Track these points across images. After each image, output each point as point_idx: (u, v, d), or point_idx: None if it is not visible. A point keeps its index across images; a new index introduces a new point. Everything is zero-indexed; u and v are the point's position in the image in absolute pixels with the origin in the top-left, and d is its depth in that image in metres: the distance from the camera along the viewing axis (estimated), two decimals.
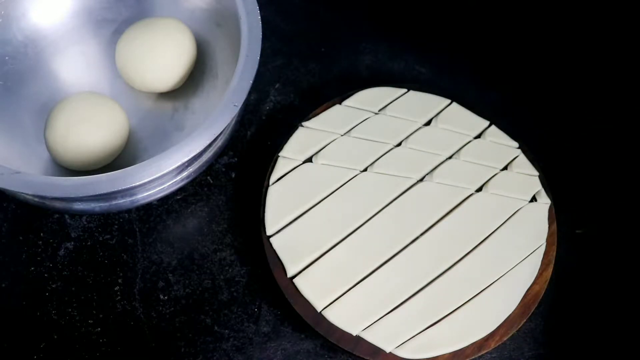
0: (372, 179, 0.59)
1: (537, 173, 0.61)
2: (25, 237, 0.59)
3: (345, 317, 0.53)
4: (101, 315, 0.56)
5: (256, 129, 0.65)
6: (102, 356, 0.54)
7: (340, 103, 0.63)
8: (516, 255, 0.56)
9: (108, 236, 0.59)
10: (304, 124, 0.61)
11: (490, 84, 0.69)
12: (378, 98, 0.63)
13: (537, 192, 0.60)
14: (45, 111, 0.59)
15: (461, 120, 0.63)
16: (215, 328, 0.56)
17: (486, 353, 0.53)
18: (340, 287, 0.54)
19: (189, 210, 0.61)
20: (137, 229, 0.59)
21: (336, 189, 0.58)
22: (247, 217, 0.60)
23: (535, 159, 0.61)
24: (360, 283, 0.54)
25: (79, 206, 0.54)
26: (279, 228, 0.56)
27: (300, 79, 0.68)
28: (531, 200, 0.59)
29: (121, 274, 0.58)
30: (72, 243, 0.59)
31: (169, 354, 0.55)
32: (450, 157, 0.61)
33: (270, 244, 0.56)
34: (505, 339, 0.53)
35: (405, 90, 0.64)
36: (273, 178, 0.58)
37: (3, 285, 0.57)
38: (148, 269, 0.58)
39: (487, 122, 0.63)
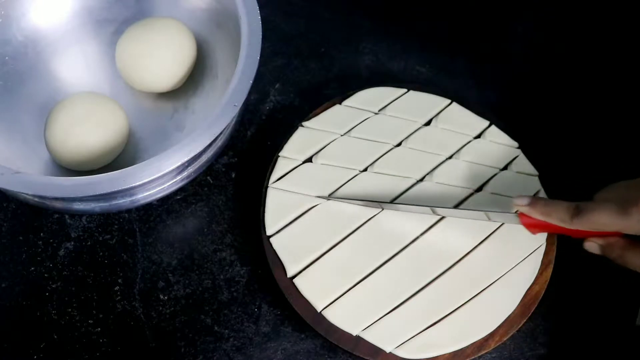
0: (372, 179, 0.59)
1: (537, 173, 0.61)
2: (25, 237, 0.59)
3: (345, 317, 0.53)
4: (101, 315, 0.56)
5: (256, 129, 0.65)
6: (102, 356, 0.54)
7: (340, 103, 0.63)
8: (516, 255, 0.56)
9: (108, 236, 0.59)
10: (304, 124, 0.61)
11: (490, 84, 0.69)
12: (378, 98, 0.63)
13: (536, 192, 0.60)
14: (45, 111, 0.59)
15: (461, 120, 0.63)
16: (215, 328, 0.56)
17: (486, 353, 0.53)
18: (340, 287, 0.54)
19: (189, 210, 0.61)
20: (137, 229, 0.59)
21: (336, 189, 0.58)
22: (247, 217, 0.60)
23: (535, 159, 0.61)
24: (360, 283, 0.54)
25: (79, 206, 0.54)
26: (279, 228, 0.56)
27: (300, 79, 0.68)
28: None
29: (121, 274, 0.58)
30: (72, 243, 0.59)
31: (169, 354, 0.55)
32: (450, 157, 0.61)
33: (270, 244, 0.56)
34: (505, 339, 0.53)
35: (405, 90, 0.64)
36: (273, 178, 0.58)
37: (3, 285, 0.57)
38: (148, 269, 0.58)
39: (487, 122, 0.63)
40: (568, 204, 0.49)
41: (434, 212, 0.56)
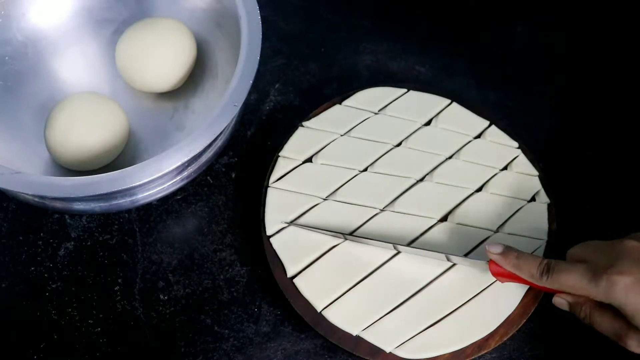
0: (372, 179, 0.59)
1: (537, 173, 0.61)
2: (25, 237, 0.59)
3: (345, 317, 0.53)
4: (101, 315, 0.56)
5: (256, 129, 0.65)
6: (102, 356, 0.54)
7: (340, 103, 0.63)
8: None
9: (108, 236, 0.59)
10: (304, 124, 0.61)
11: (490, 84, 0.69)
12: (378, 98, 0.63)
13: (536, 192, 0.60)
14: (45, 111, 0.59)
15: (461, 120, 0.63)
16: (215, 328, 0.56)
17: (486, 353, 0.53)
18: (340, 287, 0.54)
19: (189, 210, 0.61)
20: (137, 229, 0.59)
21: (336, 189, 0.58)
22: (247, 217, 0.60)
23: (535, 159, 0.61)
24: (360, 283, 0.54)
25: (79, 206, 0.54)
26: (279, 228, 0.56)
27: (300, 79, 0.68)
28: (531, 200, 0.59)
29: (121, 274, 0.58)
30: (72, 243, 0.59)
31: (169, 354, 0.55)
32: (450, 157, 0.61)
33: (270, 244, 0.56)
34: (505, 339, 0.53)
35: (405, 90, 0.64)
36: (273, 178, 0.58)
37: (3, 285, 0.57)
38: (148, 269, 0.58)
39: (487, 122, 0.63)
40: (540, 261, 0.49)
41: (395, 247, 0.55)
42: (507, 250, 0.51)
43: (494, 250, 0.51)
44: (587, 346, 0.56)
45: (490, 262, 0.52)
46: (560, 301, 0.50)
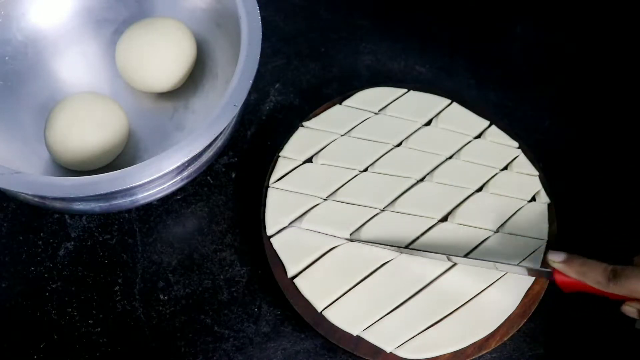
0: (372, 179, 0.59)
1: (537, 173, 0.61)
2: (25, 237, 0.59)
3: (346, 318, 0.53)
4: (101, 315, 0.56)
5: (256, 129, 0.65)
6: (102, 356, 0.54)
7: (340, 103, 0.63)
8: (516, 255, 0.56)
9: (108, 236, 0.59)
10: (304, 124, 0.61)
11: (490, 84, 0.69)
12: (378, 98, 0.63)
13: (537, 192, 0.60)
14: (46, 111, 0.59)
15: (461, 120, 0.63)
16: (215, 328, 0.56)
17: (486, 353, 0.53)
18: (341, 287, 0.54)
19: (189, 210, 0.61)
20: (137, 229, 0.59)
21: (336, 189, 0.58)
22: (247, 217, 0.60)
23: (535, 159, 0.61)
24: (361, 283, 0.54)
25: (79, 206, 0.54)
26: (280, 228, 0.56)
27: (300, 79, 0.68)
28: (531, 200, 0.59)
29: (121, 274, 0.58)
30: (72, 243, 0.59)
31: (169, 354, 0.55)
32: (450, 157, 0.61)
33: (271, 244, 0.56)
34: (505, 339, 0.53)
35: (405, 90, 0.64)
36: (273, 178, 0.58)
37: (3, 285, 0.57)
38: (148, 269, 0.58)
39: (487, 122, 0.63)
40: (605, 266, 0.47)
41: (448, 259, 0.54)
42: (571, 257, 0.49)
43: (556, 258, 0.49)
44: (586, 346, 0.56)
45: (555, 271, 0.49)
46: (629, 309, 0.48)
